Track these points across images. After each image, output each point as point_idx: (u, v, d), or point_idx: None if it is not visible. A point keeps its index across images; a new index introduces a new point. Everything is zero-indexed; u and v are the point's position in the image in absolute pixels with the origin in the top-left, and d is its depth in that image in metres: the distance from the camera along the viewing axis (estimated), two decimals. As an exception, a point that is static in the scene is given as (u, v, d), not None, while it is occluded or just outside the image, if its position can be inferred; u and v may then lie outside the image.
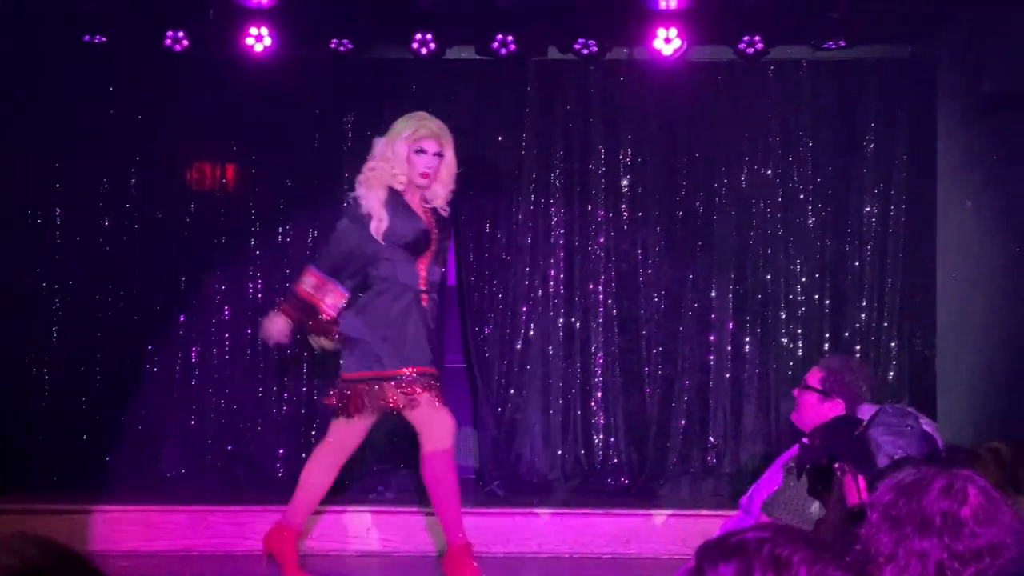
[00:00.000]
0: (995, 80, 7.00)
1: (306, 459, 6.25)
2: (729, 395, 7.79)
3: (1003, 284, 7.26)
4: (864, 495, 3.68)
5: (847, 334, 7.80)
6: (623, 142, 7.89)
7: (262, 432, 7.78)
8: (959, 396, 7.45)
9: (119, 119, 7.77)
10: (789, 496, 4.49)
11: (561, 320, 7.85)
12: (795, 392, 5.20)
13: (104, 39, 7.49)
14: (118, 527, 6.89)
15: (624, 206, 7.89)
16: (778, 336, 7.80)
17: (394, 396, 5.85)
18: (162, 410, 7.74)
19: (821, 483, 4.19)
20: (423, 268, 5.97)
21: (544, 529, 7.01)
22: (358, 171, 6.01)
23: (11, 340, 7.61)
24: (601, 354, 7.83)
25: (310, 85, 7.82)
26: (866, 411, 4.40)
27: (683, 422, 7.79)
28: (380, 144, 6.01)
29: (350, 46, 7.54)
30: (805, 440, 4.51)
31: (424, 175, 5.95)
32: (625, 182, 7.89)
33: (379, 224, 5.89)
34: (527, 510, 7.11)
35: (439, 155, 5.97)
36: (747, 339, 7.81)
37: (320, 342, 6.06)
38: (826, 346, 7.73)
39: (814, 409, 5.00)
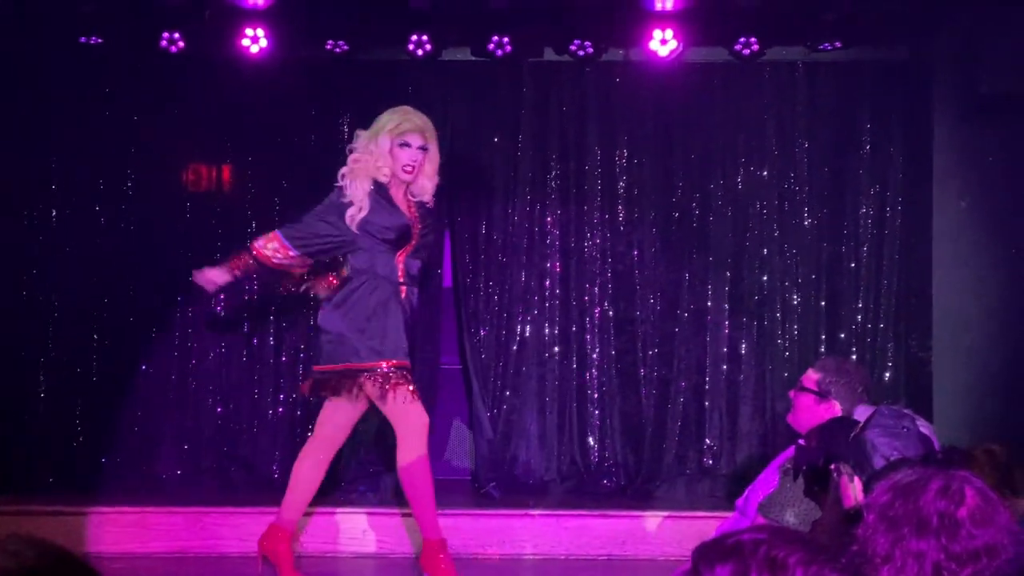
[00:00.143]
0: (991, 82, 7.01)
1: (299, 460, 6.26)
2: (725, 396, 7.78)
3: (999, 285, 7.27)
4: (860, 496, 3.68)
5: (843, 335, 7.79)
6: (619, 143, 7.89)
7: (258, 434, 7.77)
8: (955, 397, 7.45)
9: (115, 120, 7.76)
10: (785, 497, 4.49)
11: (557, 321, 7.84)
12: (791, 393, 5.20)
13: (100, 40, 7.47)
14: (114, 528, 6.89)
15: (620, 207, 7.88)
16: (774, 337, 7.79)
17: (369, 387, 5.89)
18: (158, 411, 7.73)
19: (817, 484, 4.20)
20: (401, 261, 5.99)
21: (540, 530, 7.00)
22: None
23: (7, 341, 7.59)
24: (597, 355, 7.82)
25: (306, 86, 7.81)
26: (862, 412, 4.40)
27: (679, 423, 7.78)
28: (363, 137, 6.04)
29: (346, 47, 7.53)
30: (801, 441, 4.51)
31: (407, 169, 5.98)
32: (621, 183, 7.88)
33: (357, 213, 5.92)
34: (523, 511, 7.10)
35: (423, 148, 6.00)
36: (743, 340, 7.80)
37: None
38: (822, 347, 7.72)
39: (810, 411, 5.00)
